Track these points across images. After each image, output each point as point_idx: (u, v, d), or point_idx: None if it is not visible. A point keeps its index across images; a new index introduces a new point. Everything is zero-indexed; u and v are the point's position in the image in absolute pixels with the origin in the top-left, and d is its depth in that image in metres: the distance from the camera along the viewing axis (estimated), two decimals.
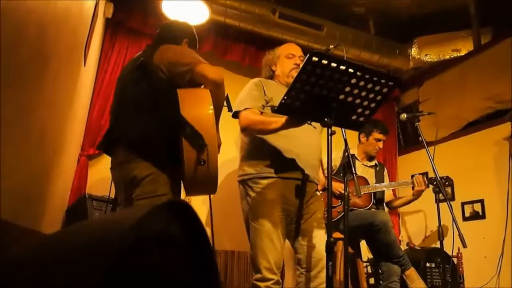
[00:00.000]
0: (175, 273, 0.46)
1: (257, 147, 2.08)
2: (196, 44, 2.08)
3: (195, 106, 1.67)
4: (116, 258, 0.33)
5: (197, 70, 1.69)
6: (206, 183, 1.67)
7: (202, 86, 1.79)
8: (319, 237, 2.00)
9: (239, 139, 2.24)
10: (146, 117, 1.70)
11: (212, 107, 1.67)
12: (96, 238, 0.36)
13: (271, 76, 2.33)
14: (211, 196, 2.03)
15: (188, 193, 1.75)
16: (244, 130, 2.09)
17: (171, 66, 1.71)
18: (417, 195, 3.09)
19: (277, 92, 2.05)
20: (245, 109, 2.09)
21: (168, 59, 1.72)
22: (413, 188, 3.10)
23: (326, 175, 1.71)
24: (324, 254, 1.53)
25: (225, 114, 4.24)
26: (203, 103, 1.68)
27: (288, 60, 2.27)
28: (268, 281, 1.89)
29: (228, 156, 3.55)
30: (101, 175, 3.33)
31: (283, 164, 2.03)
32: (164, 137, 1.69)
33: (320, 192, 2.27)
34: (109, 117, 1.93)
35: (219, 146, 1.83)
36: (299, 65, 2.18)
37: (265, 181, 2.01)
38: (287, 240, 2.10)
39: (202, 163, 1.58)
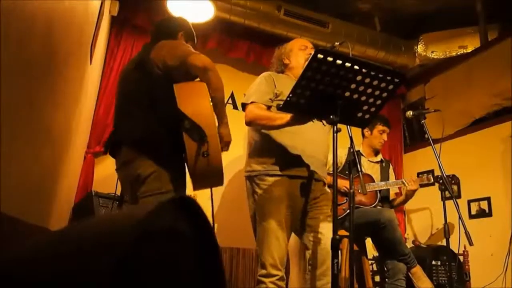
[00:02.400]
0: (182, 268, 0.46)
1: (264, 144, 2.10)
2: (193, 37, 2.07)
3: (192, 100, 1.67)
4: (126, 250, 0.33)
5: (189, 61, 1.69)
6: (211, 175, 1.67)
7: (198, 79, 1.79)
8: (327, 234, 2.01)
9: (247, 136, 2.26)
10: (147, 116, 1.71)
11: (209, 98, 1.67)
12: (106, 231, 0.36)
13: (282, 70, 2.35)
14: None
15: (195, 187, 1.74)
16: (249, 124, 2.11)
17: (166, 62, 1.72)
18: (410, 195, 3.12)
19: (288, 86, 2.05)
20: (252, 102, 2.10)
21: (163, 55, 1.73)
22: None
23: (331, 172, 1.70)
24: (329, 253, 1.53)
25: (232, 112, 4.23)
26: (200, 96, 1.68)
27: (302, 51, 2.31)
28: (273, 277, 1.92)
29: (236, 154, 3.55)
30: (107, 173, 3.35)
31: (289, 161, 2.04)
32: (166, 134, 1.70)
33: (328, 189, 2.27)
34: (113, 117, 1.94)
35: (229, 142, 1.82)
36: None
37: (271, 179, 2.03)
38: (292, 237, 2.11)
39: (205, 155, 1.58)
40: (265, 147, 2.10)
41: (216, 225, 3.57)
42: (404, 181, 3.11)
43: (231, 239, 3.66)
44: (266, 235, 1.97)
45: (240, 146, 3.70)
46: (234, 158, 3.52)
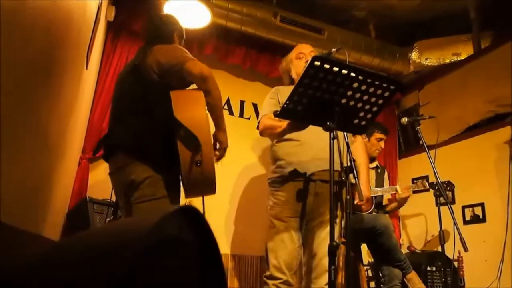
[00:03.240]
0: (186, 277, 0.46)
1: (275, 153, 2.22)
2: (183, 34, 2.08)
3: (188, 108, 1.67)
4: (133, 260, 0.33)
5: (185, 67, 1.69)
6: (204, 184, 1.66)
7: (194, 86, 1.79)
8: (322, 239, 2.02)
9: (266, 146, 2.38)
10: (142, 121, 1.70)
11: (205, 107, 1.67)
12: (117, 239, 0.36)
13: (292, 82, 2.39)
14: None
15: (187, 195, 1.74)
16: (261, 134, 2.26)
17: (162, 67, 1.71)
18: (402, 202, 3.16)
19: None
20: (263, 116, 2.25)
21: (159, 60, 1.73)
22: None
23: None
24: (324, 256, 1.55)
25: (228, 118, 4.21)
26: (196, 104, 1.68)
27: (299, 60, 2.36)
28: (276, 279, 1.94)
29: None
30: (102, 178, 3.33)
31: (294, 167, 2.09)
32: (160, 140, 1.68)
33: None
34: (108, 121, 1.92)
35: (225, 148, 1.82)
36: None
37: (280, 185, 2.11)
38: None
39: (198, 164, 1.58)
40: (276, 155, 2.20)
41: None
42: (398, 188, 3.14)
43: (227, 245, 3.64)
44: (272, 237, 2.04)
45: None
46: (228, 167, 3.51)
